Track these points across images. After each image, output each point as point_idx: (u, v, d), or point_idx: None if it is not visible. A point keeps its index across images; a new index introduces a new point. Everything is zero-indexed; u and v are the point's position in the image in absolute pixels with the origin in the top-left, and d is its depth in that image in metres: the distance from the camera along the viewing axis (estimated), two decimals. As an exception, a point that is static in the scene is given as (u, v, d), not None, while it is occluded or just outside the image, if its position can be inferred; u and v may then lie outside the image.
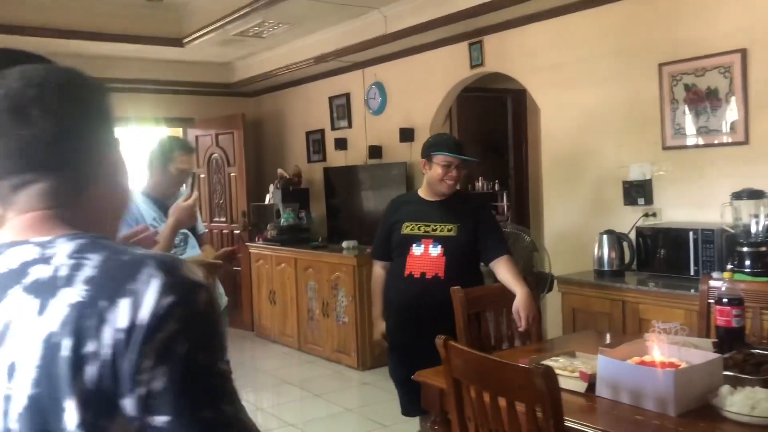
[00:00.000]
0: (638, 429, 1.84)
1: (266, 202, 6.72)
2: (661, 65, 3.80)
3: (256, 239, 6.64)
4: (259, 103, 7.64)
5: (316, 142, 6.80)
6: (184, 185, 3.34)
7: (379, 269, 3.24)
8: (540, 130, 4.71)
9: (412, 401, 2.81)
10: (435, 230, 3.04)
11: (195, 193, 2.75)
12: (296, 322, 6.06)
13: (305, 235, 6.38)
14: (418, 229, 3.06)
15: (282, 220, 6.32)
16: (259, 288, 6.62)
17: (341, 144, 6.29)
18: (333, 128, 6.51)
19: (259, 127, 7.60)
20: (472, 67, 4.97)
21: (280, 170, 6.65)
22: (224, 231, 7.17)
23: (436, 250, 3.01)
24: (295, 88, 7.00)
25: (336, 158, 6.46)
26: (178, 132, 7.08)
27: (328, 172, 6.43)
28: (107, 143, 0.95)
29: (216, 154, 7.18)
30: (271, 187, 6.66)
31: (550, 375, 1.53)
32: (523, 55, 4.62)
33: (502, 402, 1.70)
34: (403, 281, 3.06)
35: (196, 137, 7.26)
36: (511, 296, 2.96)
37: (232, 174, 7.04)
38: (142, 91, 6.75)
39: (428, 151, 3.09)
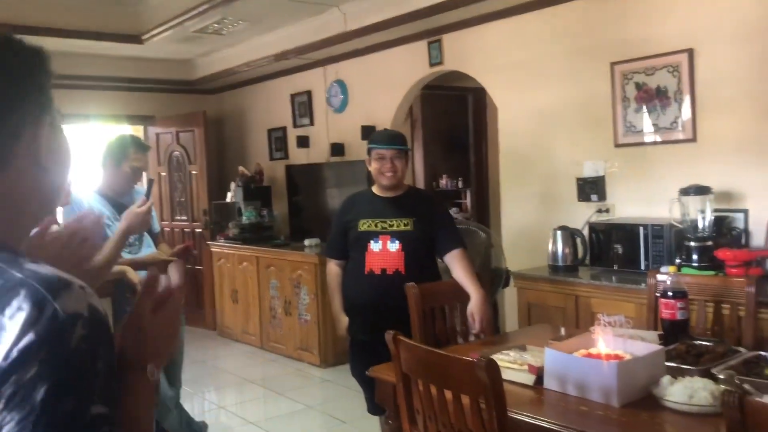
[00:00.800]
0: (583, 420, 1.89)
1: (228, 200, 6.68)
2: (613, 64, 3.89)
3: (218, 238, 6.60)
4: (220, 101, 7.59)
5: (278, 140, 6.78)
6: (140, 184, 3.31)
7: (334, 266, 3.23)
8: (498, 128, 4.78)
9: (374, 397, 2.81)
10: (392, 226, 3.04)
11: (150, 200, 2.72)
12: (258, 321, 6.04)
13: (267, 234, 6.36)
14: (375, 225, 3.06)
15: (244, 218, 6.29)
16: (222, 287, 6.58)
17: (303, 142, 6.29)
18: (295, 126, 6.50)
19: (221, 124, 7.55)
20: (432, 65, 5.01)
21: (241, 168, 6.61)
22: (185, 229, 7.11)
23: (394, 246, 3.02)
24: (257, 86, 6.97)
25: (298, 156, 6.45)
26: (139, 130, 7.01)
27: (291, 170, 6.42)
28: (33, 119, 0.85)
29: (177, 152, 7.11)
30: (233, 185, 6.62)
31: (492, 367, 1.56)
32: (480, 53, 4.67)
33: (448, 395, 1.74)
34: (363, 279, 3.05)
35: (157, 135, 7.18)
36: (466, 292, 3.00)
37: (193, 172, 6.98)
38: (102, 88, 6.66)
39: (367, 147, 3.16)
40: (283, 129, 6.68)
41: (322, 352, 5.33)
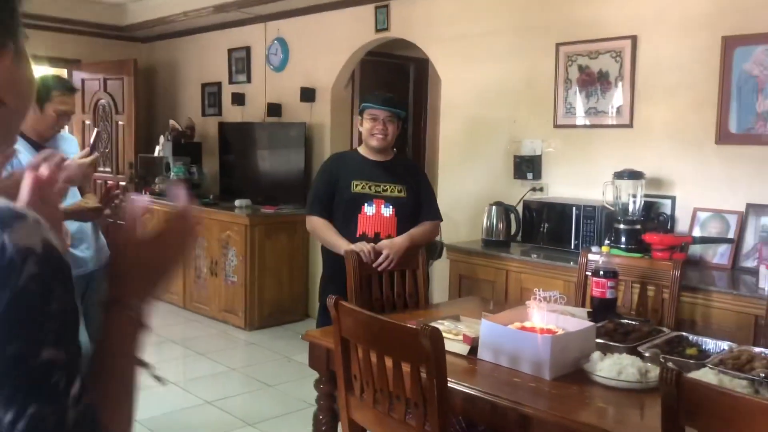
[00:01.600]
0: (515, 391, 1.92)
1: (156, 154, 6.44)
2: (558, 45, 3.92)
3: (143, 192, 6.36)
4: (152, 50, 7.27)
5: (211, 95, 6.56)
6: (71, 132, 3.12)
7: (319, 219, 3.10)
8: (440, 101, 4.77)
9: None
10: (386, 191, 3.07)
11: (96, 154, 2.55)
12: (182, 280, 5.88)
13: (196, 191, 6.16)
14: (369, 188, 3.06)
15: (172, 173, 6.09)
16: (145, 243, 6.35)
17: (239, 99, 6.11)
18: (231, 82, 6.30)
19: (152, 75, 7.24)
20: (377, 31, 4.93)
21: (172, 122, 6.38)
22: (109, 182, 6.81)
23: (388, 211, 3.05)
24: (193, 37, 6.70)
25: (232, 113, 6.27)
26: (62, 74, 6.63)
27: (224, 128, 6.23)
28: None
29: (103, 100, 6.78)
30: (162, 139, 6.39)
31: (436, 336, 1.56)
32: (428, 23, 4.63)
33: (388, 361, 1.72)
34: (356, 241, 3.00)
35: (83, 80, 6.82)
36: (407, 259, 3.01)
37: (120, 122, 6.68)
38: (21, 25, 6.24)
39: (360, 107, 3.13)
40: (218, 84, 6.46)
41: (247, 315, 5.25)
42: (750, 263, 3.18)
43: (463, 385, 1.92)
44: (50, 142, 2.96)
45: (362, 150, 3.18)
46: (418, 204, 3.15)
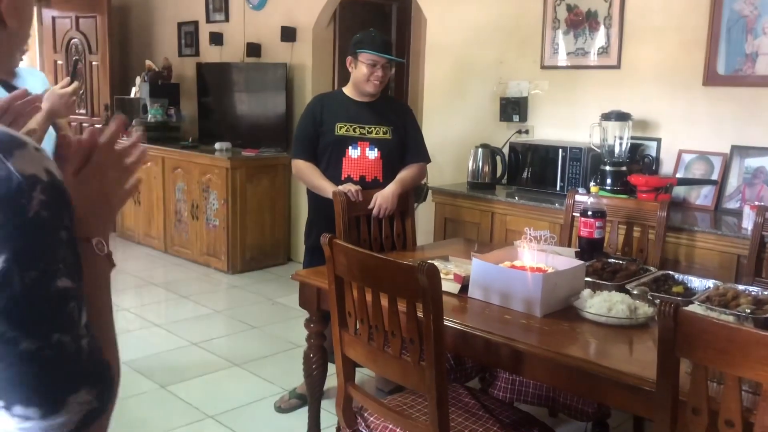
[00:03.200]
0: (506, 327, 1.94)
1: (132, 95, 6.28)
2: (547, -17, 3.85)
3: (121, 135, 6.22)
4: (125, -13, 7.01)
5: (188, 35, 6.38)
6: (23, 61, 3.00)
7: (304, 162, 3.06)
8: (423, 42, 4.68)
9: None
10: (370, 132, 3.01)
11: (76, 82, 2.45)
12: (162, 224, 5.83)
13: (174, 134, 6.07)
14: (354, 130, 3.01)
15: (149, 116, 5.95)
16: (123, 187, 6.25)
17: (217, 39, 5.94)
18: (208, 21, 6.12)
19: (126, 13, 6.99)
20: (361, -33, 4.79)
21: (148, 62, 6.20)
22: (84, 125, 6.65)
23: (373, 153, 3.01)
24: (168, -26, 6.47)
25: (210, 54, 6.11)
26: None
27: (201, 68, 6.08)
28: None
29: (76, 39, 6.56)
30: (138, 80, 6.22)
31: (432, 272, 1.55)
32: (413, -40, 4.50)
33: (383, 299, 1.72)
34: (340, 185, 2.97)
35: (53, 18, 6.59)
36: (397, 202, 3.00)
37: (94, 63, 6.49)
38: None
39: (354, 48, 3.00)
40: (195, 23, 6.27)
41: (230, 258, 5.24)
42: (733, 204, 3.22)
43: (456, 322, 1.93)
44: (17, 80, 2.85)
45: (348, 90, 3.11)
46: (404, 145, 3.12)
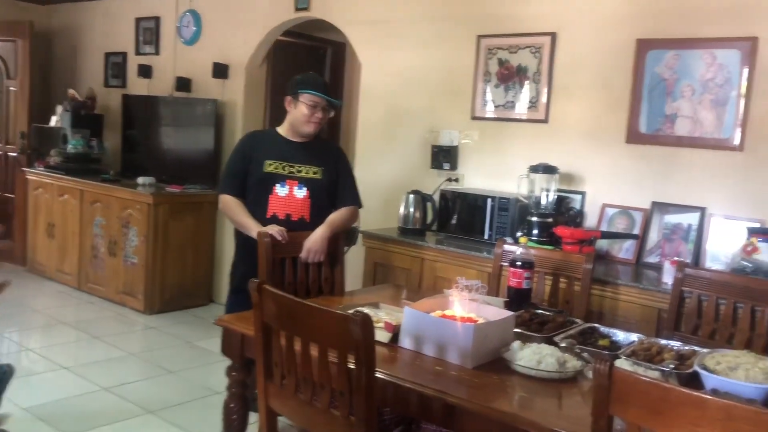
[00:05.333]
0: (438, 379, 1.90)
1: (52, 124, 6.03)
2: (479, 37, 3.95)
3: (36, 165, 5.95)
4: (51, 13, 6.78)
5: (116, 66, 6.21)
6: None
7: (231, 198, 2.99)
8: (357, 86, 4.70)
9: None
10: (300, 171, 2.97)
11: None
12: (77, 260, 5.55)
13: (95, 166, 5.83)
14: (282, 168, 2.96)
15: (69, 146, 5.72)
16: (36, 219, 5.95)
17: (145, 71, 5.80)
18: (137, 53, 5.98)
19: (50, 39, 6.76)
20: (297, 9, 4.80)
21: (71, 91, 5.97)
22: (-3, 152, 6.33)
23: (302, 192, 2.96)
24: (97, 3, 6.32)
25: (138, 86, 5.95)
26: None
27: (128, 100, 5.91)
28: None
29: (-7, 63, 6.27)
30: (59, 109, 5.98)
31: (367, 323, 1.50)
32: (349, 5, 4.55)
33: (314, 349, 1.66)
34: (265, 223, 2.90)
35: (-30, 40, 6.28)
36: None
37: (11, 88, 6.21)
38: None
39: (295, 88, 2.97)
40: (124, 55, 6.12)
41: (147, 298, 5.02)
42: (653, 259, 3.32)
43: (386, 373, 1.88)
44: None
45: (282, 130, 3.08)
46: (335, 187, 3.08)
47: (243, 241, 3.00)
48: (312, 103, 2.94)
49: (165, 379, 3.86)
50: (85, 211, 5.48)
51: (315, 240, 2.89)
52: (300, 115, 2.96)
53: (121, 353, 4.23)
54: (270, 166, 2.96)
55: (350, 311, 1.65)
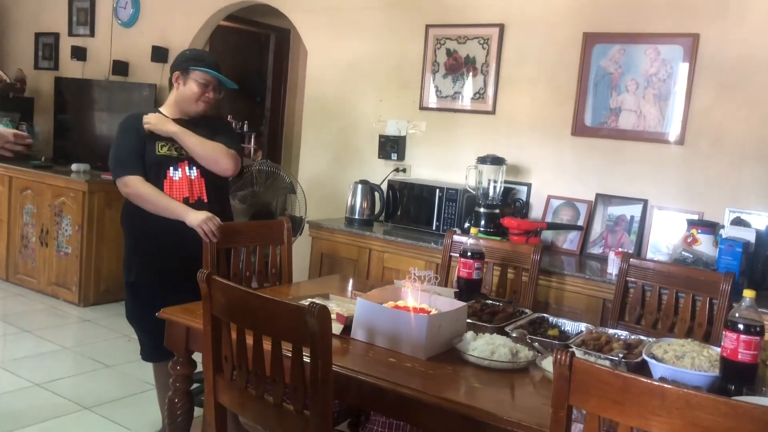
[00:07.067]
0: (391, 371, 1.87)
1: (-23, 107, 5.70)
2: (428, 26, 3.93)
3: (-40, 149, 5.62)
4: (-25, -11, 6.42)
5: (47, 47, 5.92)
6: None
7: (140, 180, 2.70)
8: (302, 74, 4.63)
9: (158, 344, 2.47)
10: None
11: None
12: (5, 250, 5.28)
13: (25, 152, 5.54)
14: (175, 150, 2.72)
15: (-4, 130, 5.42)
16: (-41, 207, 5.63)
17: (79, 54, 5.55)
18: (71, 34, 5.72)
19: (-26, 18, 6.40)
20: (241, -7, 4.68)
21: (-1, 72, 5.67)
22: None
23: (193, 172, 2.73)
24: (26, -20, 6.01)
25: (71, 69, 5.69)
26: None
27: (60, 84, 5.64)
28: None
29: None
30: (-14, 91, 5.67)
31: (323, 315, 1.46)
32: (296, -9, 4.45)
33: (266, 342, 1.60)
34: None
35: None
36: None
37: (-68, 68, 5.84)
38: None
39: (186, 65, 2.74)
40: (56, 36, 5.84)
41: (82, 289, 4.82)
42: (596, 250, 3.38)
43: (338, 366, 1.83)
44: None
45: (166, 110, 2.82)
46: None
47: (142, 227, 2.75)
48: (203, 81, 2.73)
49: (101, 374, 3.71)
50: (15, 199, 5.21)
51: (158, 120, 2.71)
52: (190, 93, 2.74)
53: (54, 347, 4.05)
54: (163, 148, 2.72)
55: (303, 302, 1.60)
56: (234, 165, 2.78)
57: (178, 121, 2.78)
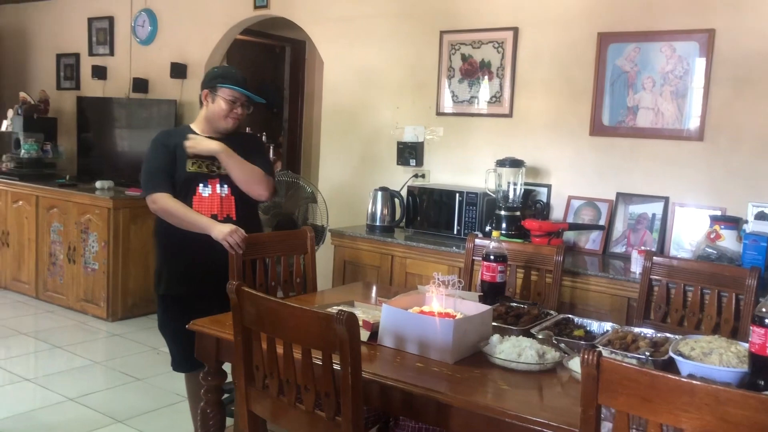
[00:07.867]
0: (419, 376, 1.89)
1: (3, 129, 5.83)
2: (442, 32, 3.96)
3: (-12, 171, 5.76)
4: (-2, 14, 6.57)
5: (68, 67, 6.04)
6: None
7: (169, 196, 2.74)
8: (318, 84, 4.68)
9: (188, 355, 2.52)
10: (220, 168, 2.78)
11: None
12: (35, 268, 5.39)
13: (50, 171, 5.68)
14: (205, 167, 2.77)
15: (22, 151, 5.55)
16: (-11, 227, 5.76)
17: (100, 73, 5.66)
18: (91, 54, 5.83)
19: (-3, 41, 6.55)
20: (257, 7, 4.74)
21: (23, 94, 5.79)
22: (-55, 158, 6.10)
23: (224, 190, 2.78)
24: (46, 3, 6.14)
25: (92, 88, 5.80)
26: None
27: (82, 103, 5.75)
28: None
29: (-62, 67, 6.04)
30: (11, 113, 5.79)
31: (352, 322, 1.49)
32: (310, 3, 4.50)
33: (296, 350, 1.63)
34: None
35: None
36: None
37: (-42, 92, 5.98)
38: None
39: (213, 82, 2.80)
40: (76, 56, 5.96)
41: (110, 305, 4.90)
42: (619, 249, 3.38)
43: (366, 372, 1.86)
44: None
45: (196, 126, 2.87)
46: None
47: (171, 239, 2.80)
48: (231, 98, 2.78)
49: (132, 387, 3.77)
50: (42, 218, 5.32)
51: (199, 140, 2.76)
52: (218, 110, 2.78)
53: (85, 362, 4.12)
54: (193, 166, 2.77)
55: (331, 310, 1.63)
56: (269, 192, 2.86)
57: (211, 139, 2.81)
